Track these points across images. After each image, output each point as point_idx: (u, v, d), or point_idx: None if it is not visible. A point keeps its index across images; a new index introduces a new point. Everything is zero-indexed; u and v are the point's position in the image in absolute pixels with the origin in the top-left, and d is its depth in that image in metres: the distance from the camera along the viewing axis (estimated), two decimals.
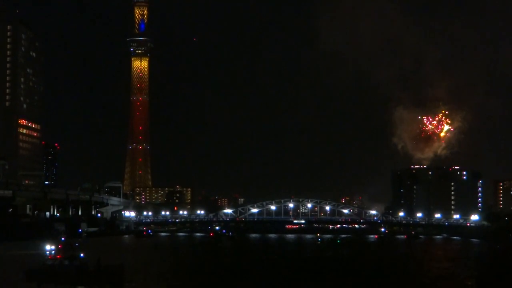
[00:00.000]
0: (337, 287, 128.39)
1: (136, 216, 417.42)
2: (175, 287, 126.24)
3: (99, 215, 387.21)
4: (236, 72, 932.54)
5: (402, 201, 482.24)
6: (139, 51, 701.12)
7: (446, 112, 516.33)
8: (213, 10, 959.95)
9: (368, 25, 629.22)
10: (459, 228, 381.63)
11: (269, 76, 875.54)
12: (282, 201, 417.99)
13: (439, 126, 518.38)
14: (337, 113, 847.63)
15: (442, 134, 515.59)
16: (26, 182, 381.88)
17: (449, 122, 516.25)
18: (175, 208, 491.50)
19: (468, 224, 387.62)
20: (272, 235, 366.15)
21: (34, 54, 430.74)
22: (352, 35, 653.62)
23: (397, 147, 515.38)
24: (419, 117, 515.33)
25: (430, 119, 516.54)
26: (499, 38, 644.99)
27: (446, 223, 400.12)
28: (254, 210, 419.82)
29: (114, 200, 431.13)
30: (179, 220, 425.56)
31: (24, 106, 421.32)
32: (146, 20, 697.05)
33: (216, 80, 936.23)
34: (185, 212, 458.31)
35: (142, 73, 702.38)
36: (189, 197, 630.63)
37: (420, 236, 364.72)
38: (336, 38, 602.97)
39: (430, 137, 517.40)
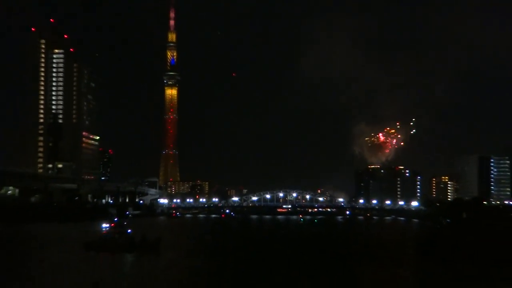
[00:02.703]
0: (314, 253, 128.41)
1: (168, 203, 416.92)
2: (198, 254, 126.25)
3: (141, 202, 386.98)
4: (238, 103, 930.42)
5: (362, 192, 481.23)
6: (170, 82, 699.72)
7: (395, 127, 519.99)
8: (226, 49, 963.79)
9: (338, 63, 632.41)
10: (404, 211, 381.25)
11: (262, 97, 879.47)
12: (275, 191, 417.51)
13: (389, 138, 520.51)
14: (314, 128, 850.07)
15: (391, 144, 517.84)
16: (88, 177, 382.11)
17: (396, 134, 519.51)
18: (197, 196, 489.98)
19: (410, 208, 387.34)
20: (267, 216, 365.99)
21: (93, 85, 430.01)
22: (326, 70, 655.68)
23: (356, 152, 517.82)
24: (374, 132, 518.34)
25: (382, 133, 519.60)
26: (434, 72, 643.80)
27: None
28: (254, 198, 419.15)
29: (152, 190, 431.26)
30: (199, 205, 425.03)
31: (87, 122, 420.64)
32: (175, 59, 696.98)
33: (227, 102, 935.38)
34: (204, 200, 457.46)
35: (172, 98, 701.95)
36: (207, 189, 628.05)
37: (374, 217, 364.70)
38: (314, 73, 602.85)
39: (381, 146, 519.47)
